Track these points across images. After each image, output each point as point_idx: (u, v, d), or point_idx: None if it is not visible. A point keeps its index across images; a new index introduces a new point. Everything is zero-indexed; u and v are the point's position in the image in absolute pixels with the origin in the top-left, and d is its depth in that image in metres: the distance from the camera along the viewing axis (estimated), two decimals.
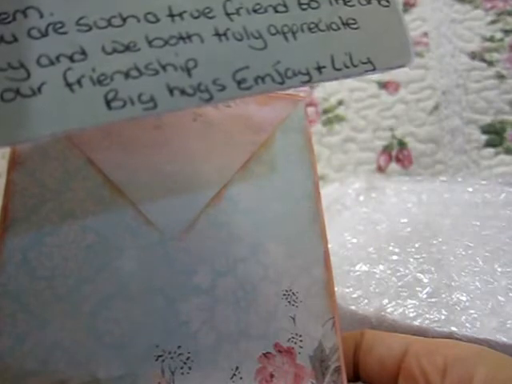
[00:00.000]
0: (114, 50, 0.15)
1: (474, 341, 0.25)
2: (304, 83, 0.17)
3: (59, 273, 0.19)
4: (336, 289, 0.22)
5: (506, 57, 0.46)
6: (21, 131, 0.13)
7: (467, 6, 0.49)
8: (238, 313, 0.20)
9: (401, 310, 0.28)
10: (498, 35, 0.47)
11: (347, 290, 0.30)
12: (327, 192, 0.40)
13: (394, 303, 0.28)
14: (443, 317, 0.27)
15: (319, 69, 0.17)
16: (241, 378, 0.19)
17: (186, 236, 0.20)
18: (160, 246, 0.20)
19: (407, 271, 0.30)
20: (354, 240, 0.34)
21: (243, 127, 0.23)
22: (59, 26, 0.15)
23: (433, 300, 0.28)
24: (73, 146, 0.20)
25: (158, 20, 0.16)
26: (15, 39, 0.14)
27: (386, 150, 0.45)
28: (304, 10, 0.18)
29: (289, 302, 0.21)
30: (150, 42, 0.15)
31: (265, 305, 0.20)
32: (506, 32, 0.47)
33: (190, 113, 0.22)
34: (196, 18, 0.16)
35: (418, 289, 0.29)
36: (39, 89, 0.14)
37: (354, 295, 0.30)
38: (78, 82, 0.14)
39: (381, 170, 0.44)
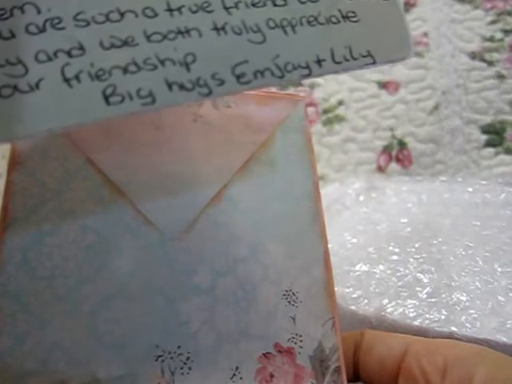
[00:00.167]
0: (112, 45, 0.15)
1: (474, 341, 0.25)
2: (304, 77, 0.17)
3: (59, 273, 0.19)
4: (336, 289, 0.22)
5: (506, 57, 0.46)
6: (19, 127, 0.13)
7: (467, 6, 0.49)
8: (237, 313, 0.20)
9: (401, 310, 0.28)
10: (498, 35, 0.47)
11: (347, 290, 0.30)
12: (327, 192, 0.40)
13: (394, 303, 0.28)
14: (443, 317, 0.27)
15: (319, 62, 0.17)
16: (241, 378, 0.19)
17: (186, 236, 0.20)
18: (160, 245, 0.20)
19: (407, 271, 0.30)
20: (354, 240, 0.34)
21: (243, 127, 0.23)
22: (57, 21, 0.15)
23: (433, 300, 0.28)
24: (73, 146, 0.20)
25: (156, 15, 0.16)
26: (13, 35, 0.14)
27: (386, 150, 0.45)
28: (303, 3, 0.18)
29: (289, 302, 0.21)
30: (148, 37, 0.15)
31: (265, 305, 0.20)
32: (506, 32, 0.47)
33: (191, 113, 0.22)
34: (194, 12, 0.16)
35: (418, 289, 0.29)
36: (37, 85, 0.14)
37: (354, 295, 0.30)
38: (76, 77, 0.14)
39: (381, 169, 0.44)
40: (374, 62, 0.18)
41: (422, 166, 0.44)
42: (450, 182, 0.38)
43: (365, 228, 0.35)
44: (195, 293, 0.20)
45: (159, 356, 0.18)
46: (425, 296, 0.28)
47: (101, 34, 0.15)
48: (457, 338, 0.25)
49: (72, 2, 0.15)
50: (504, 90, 0.45)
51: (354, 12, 0.18)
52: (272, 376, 0.19)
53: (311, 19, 0.18)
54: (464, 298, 0.28)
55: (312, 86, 0.48)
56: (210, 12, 0.16)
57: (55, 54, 0.14)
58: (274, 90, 0.49)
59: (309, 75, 0.17)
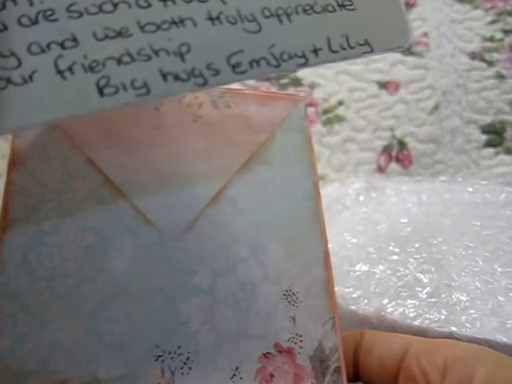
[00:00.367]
0: (106, 36, 0.15)
1: (474, 341, 0.25)
2: (300, 66, 0.17)
3: (59, 273, 0.19)
4: (336, 289, 0.22)
5: (506, 57, 0.46)
6: (13, 119, 0.13)
7: (467, 6, 0.49)
8: (237, 313, 0.20)
9: (401, 310, 0.28)
10: (498, 35, 0.47)
11: (347, 290, 0.30)
12: (327, 192, 0.40)
13: (394, 303, 0.28)
14: (443, 317, 0.27)
15: (315, 51, 0.17)
16: (241, 378, 0.19)
17: (186, 236, 0.20)
18: (160, 245, 0.20)
19: (407, 271, 0.30)
20: (354, 240, 0.34)
21: (243, 127, 0.23)
22: (49, 13, 0.15)
23: (433, 300, 0.28)
24: (73, 146, 0.20)
25: (149, 5, 0.16)
26: (5, 27, 0.14)
27: (386, 149, 0.45)
28: None
29: (289, 302, 0.21)
30: (141, 28, 0.15)
31: (265, 305, 0.20)
32: (506, 32, 0.47)
33: (190, 113, 0.22)
34: (188, 1, 0.16)
35: (418, 289, 0.29)
36: (30, 77, 0.14)
37: (354, 295, 0.30)
38: (70, 69, 0.14)
39: (381, 169, 0.44)
40: (372, 51, 0.18)
41: (422, 165, 0.44)
42: (450, 181, 0.38)
43: (365, 228, 0.35)
44: (195, 293, 0.20)
45: (159, 356, 0.18)
46: (425, 296, 0.28)
47: (94, 26, 0.15)
48: (457, 338, 0.25)
49: None
50: (504, 90, 0.45)
51: (350, 0, 0.18)
52: (272, 376, 0.19)
53: (307, 8, 0.17)
54: (464, 298, 0.28)
55: (312, 86, 0.48)
56: (204, 1, 0.16)
57: (48, 45, 0.14)
58: (273, 90, 0.49)
59: (305, 64, 0.17)
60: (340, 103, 0.47)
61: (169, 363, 0.18)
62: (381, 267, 0.31)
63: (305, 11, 0.17)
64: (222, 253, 0.21)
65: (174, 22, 0.16)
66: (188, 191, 0.21)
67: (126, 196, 0.20)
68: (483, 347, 0.21)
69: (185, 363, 0.19)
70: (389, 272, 0.30)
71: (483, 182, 0.37)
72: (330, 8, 0.18)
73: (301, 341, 0.20)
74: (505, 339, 0.25)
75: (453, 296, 0.28)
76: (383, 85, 0.47)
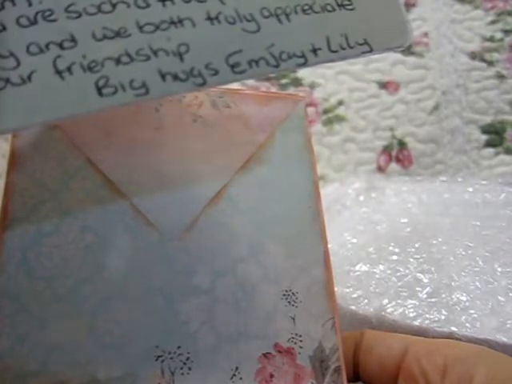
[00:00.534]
0: (105, 37, 0.15)
1: (474, 341, 0.25)
2: (299, 66, 0.17)
3: (59, 273, 0.19)
4: (336, 289, 0.22)
5: (506, 57, 0.46)
6: (12, 120, 0.13)
7: (467, 6, 0.49)
8: (237, 313, 0.20)
9: (401, 310, 0.28)
10: (498, 35, 0.47)
11: (347, 290, 0.30)
12: (327, 192, 0.40)
13: (394, 303, 0.28)
14: (443, 317, 0.27)
15: (315, 51, 0.17)
16: (241, 379, 0.19)
17: (186, 236, 0.20)
18: (159, 246, 0.20)
19: (407, 271, 0.30)
20: (354, 240, 0.34)
21: (243, 127, 0.23)
22: (48, 13, 0.15)
23: (433, 300, 0.28)
24: (72, 146, 0.20)
25: (148, 5, 0.16)
26: (4, 28, 0.14)
27: (386, 149, 0.45)
28: None
29: (289, 302, 0.21)
30: (140, 28, 0.15)
31: (264, 305, 0.20)
32: (506, 32, 0.47)
33: (190, 114, 0.22)
34: (187, 1, 0.16)
35: (417, 289, 0.29)
36: (29, 77, 0.14)
37: (354, 295, 0.30)
38: (68, 69, 0.14)
39: (381, 169, 0.44)
40: (371, 50, 0.18)
41: (422, 166, 0.44)
42: (449, 181, 0.38)
43: (365, 228, 0.35)
44: (195, 293, 0.20)
45: (159, 356, 0.18)
46: (425, 296, 0.28)
47: (93, 26, 0.15)
48: (457, 338, 0.25)
49: None
50: (504, 90, 0.45)
51: (349, 0, 0.18)
52: (272, 376, 0.19)
53: (306, 7, 0.17)
54: (464, 298, 0.28)
55: (312, 86, 0.48)
56: (203, 1, 0.16)
57: (47, 46, 0.14)
58: (273, 90, 0.49)
59: (304, 64, 0.17)
60: (340, 103, 0.47)
61: (169, 363, 0.18)
62: (381, 267, 0.31)
63: (304, 11, 0.17)
64: (221, 253, 0.21)
65: (172, 22, 0.16)
66: (188, 191, 0.21)
67: (126, 196, 0.20)
68: (483, 347, 0.21)
69: (185, 363, 0.19)
70: (389, 272, 0.30)
71: (483, 182, 0.37)
72: (329, 8, 0.18)
73: (301, 341, 0.20)
74: (505, 339, 0.25)
75: (453, 296, 0.28)
76: (383, 85, 0.47)
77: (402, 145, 0.45)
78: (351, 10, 0.18)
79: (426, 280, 0.29)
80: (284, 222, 0.22)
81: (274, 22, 0.17)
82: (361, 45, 0.18)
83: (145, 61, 0.15)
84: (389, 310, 0.28)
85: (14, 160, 0.20)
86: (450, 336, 0.26)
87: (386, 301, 0.29)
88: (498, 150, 0.44)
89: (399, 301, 0.28)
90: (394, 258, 0.31)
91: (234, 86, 0.19)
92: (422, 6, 0.50)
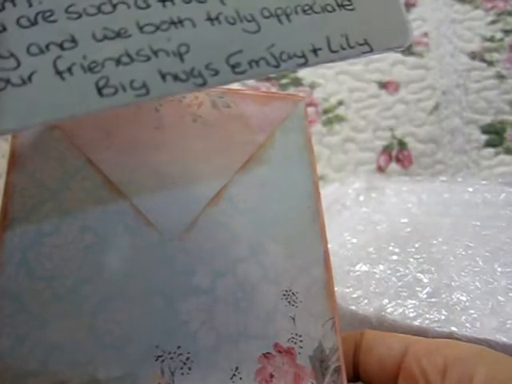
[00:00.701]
0: (105, 37, 0.15)
1: (474, 341, 0.25)
2: (300, 66, 0.17)
3: (59, 273, 0.19)
4: (336, 289, 0.22)
5: (506, 57, 0.46)
6: (12, 120, 0.13)
7: (467, 6, 0.49)
8: (237, 313, 0.20)
9: (401, 310, 0.28)
10: (498, 35, 0.47)
11: (347, 290, 0.30)
12: (327, 192, 0.40)
13: (394, 303, 0.28)
14: (443, 317, 0.27)
15: (315, 51, 0.17)
16: (240, 379, 0.19)
17: (186, 236, 0.20)
18: (159, 246, 0.20)
19: (407, 271, 0.30)
20: (354, 240, 0.34)
21: (243, 127, 0.23)
22: (48, 14, 0.15)
23: (433, 300, 0.28)
24: (72, 146, 0.20)
25: (148, 6, 0.16)
26: (4, 28, 0.14)
27: (386, 149, 0.45)
28: None
29: (289, 302, 0.21)
30: (141, 28, 0.15)
31: (264, 305, 0.20)
32: (506, 32, 0.47)
33: (190, 113, 0.22)
34: (187, 2, 0.16)
35: (418, 289, 0.29)
36: (29, 78, 0.14)
37: (354, 295, 0.30)
38: (69, 69, 0.14)
39: (381, 169, 0.44)
40: (372, 50, 0.18)
41: (422, 166, 0.44)
42: (449, 181, 0.38)
43: (365, 228, 0.35)
44: (195, 293, 0.20)
45: (159, 356, 0.18)
46: (425, 296, 0.28)
47: (93, 26, 0.15)
48: (457, 338, 0.25)
49: None
50: (504, 90, 0.45)
51: (349, 0, 0.18)
52: (272, 376, 0.19)
53: (306, 8, 0.17)
54: (464, 298, 0.28)
55: (312, 86, 0.48)
56: (203, 2, 0.16)
57: (47, 46, 0.14)
58: (274, 90, 0.49)
59: (305, 64, 0.17)
60: (340, 103, 0.47)
61: (169, 363, 0.18)
62: (381, 267, 0.31)
63: (304, 11, 0.17)
64: (221, 253, 0.21)
65: (173, 23, 0.16)
66: (188, 191, 0.21)
67: (126, 196, 0.20)
68: (483, 347, 0.21)
69: (185, 363, 0.19)
70: (389, 272, 0.30)
71: (483, 182, 0.37)
72: (329, 8, 0.18)
73: (301, 341, 0.20)
74: (505, 339, 0.25)
75: (453, 296, 0.28)
76: (383, 85, 0.47)
77: (401, 145, 0.45)
78: (351, 10, 0.18)
79: (425, 280, 0.29)
80: (284, 222, 0.22)
81: (274, 22, 0.17)
82: (361, 45, 0.18)
83: (145, 61, 0.15)
84: (389, 310, 0.28)
85: (14, 160, 0.20)
86: (450, 336, 0.26)
87: (386, 301, 0.29)
88: (497, 150, 0.44)
89: (399, 301, 0.28)
90: (394, 257, 0.31)
91: (235, 86, 0.19)
92: (422, 5, 0.50)
